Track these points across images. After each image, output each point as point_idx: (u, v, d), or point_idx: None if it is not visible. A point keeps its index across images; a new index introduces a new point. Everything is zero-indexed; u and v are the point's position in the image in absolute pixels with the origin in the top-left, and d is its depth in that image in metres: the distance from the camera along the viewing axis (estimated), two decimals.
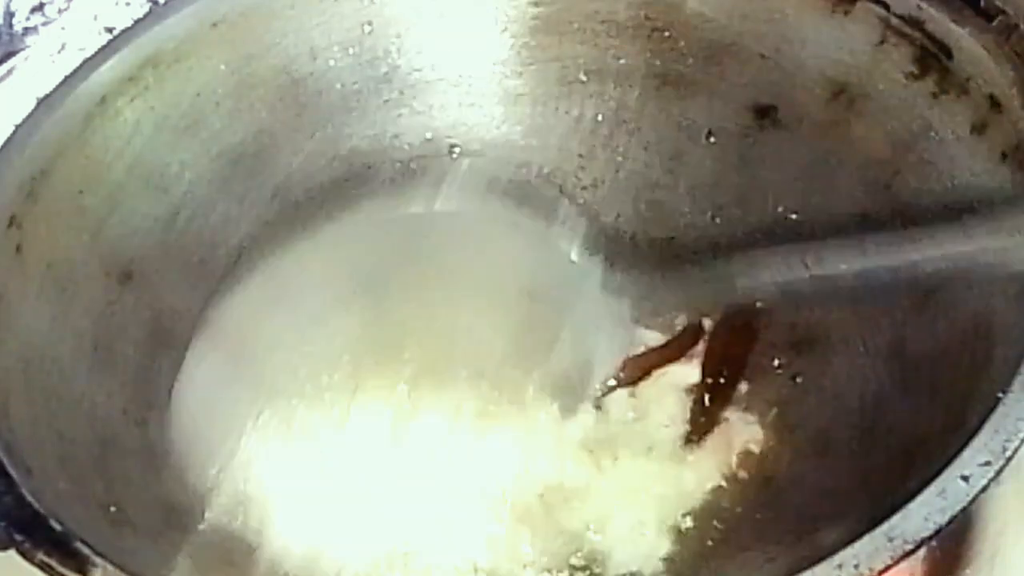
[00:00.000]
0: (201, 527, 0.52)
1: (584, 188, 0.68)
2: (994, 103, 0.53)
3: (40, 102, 0.56)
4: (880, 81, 0.59)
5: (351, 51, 0.65)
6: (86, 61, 0.58)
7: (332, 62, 0.64)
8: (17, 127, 0.55)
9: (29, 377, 0.50)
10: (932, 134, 0.56)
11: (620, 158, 0.67)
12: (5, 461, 0.44)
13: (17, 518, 0.42)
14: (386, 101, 0.66)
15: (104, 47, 0.58)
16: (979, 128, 0.54)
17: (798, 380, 0.59)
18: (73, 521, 0.43)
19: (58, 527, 0.42)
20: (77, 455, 0.50)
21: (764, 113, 0.64)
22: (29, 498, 0.43)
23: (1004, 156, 0.52)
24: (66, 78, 0.57)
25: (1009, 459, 0.40)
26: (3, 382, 0.48)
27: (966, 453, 0.40)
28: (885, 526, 0.39)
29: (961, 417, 0.45)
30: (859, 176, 0.60)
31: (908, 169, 0.58)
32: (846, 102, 0.60)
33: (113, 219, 0.57)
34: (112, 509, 0.49)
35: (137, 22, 0.59)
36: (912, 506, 0.39)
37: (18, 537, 0.41)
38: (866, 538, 0.39)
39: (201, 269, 0.60)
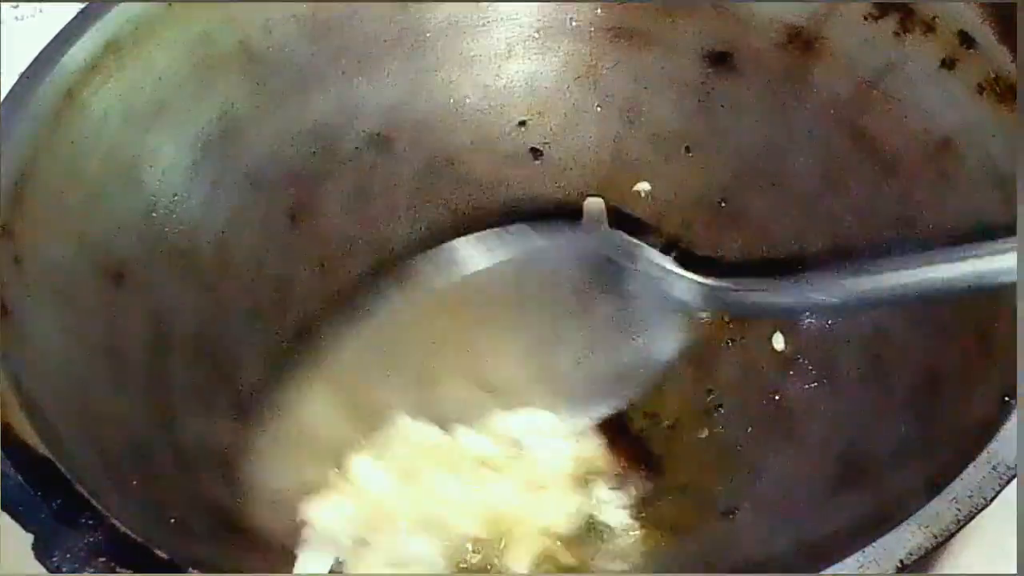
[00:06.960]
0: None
1: (545, 143, 0.68)
2: (965, 39, 0.56)
3: (6, 99, 0.52)
4: (837, 24, 0.61)
5: (304, 23, 0.62)
6: (45, 49, 0.54)
7: (287, 35, 0.62)
8: None
9: (57, 396, 0.47)
10: (897, 71, 0.59)
11: (578, 111, 0.68)
12: (84, 491, 0.41)
13: (116, 552, 0.40)
14: (343, 73, 0.64)
15: (61, 32, 0.54)
16: (948, 64, 0.56)
17: None
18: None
19: (164, 555, 0.40)
20: (123, 470, 0.47)
21: (719, 60, 0.65)
22: (123, 528, 0.40)
23: (981, 89, 0.55)
24: (29, 68, 0.53)
25: None
26: (42, 405, 0.45)
27: None
28: (986, 452, 0.41)
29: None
30: (824, 116, 0.62)
31: (874, 107, 0.60)
32: (802, 45, 0.62)
33: (96, 217, 0.54)
34: (172, 520, 0.47)
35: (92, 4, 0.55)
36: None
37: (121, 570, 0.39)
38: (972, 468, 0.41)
39: (187, 260, 0.58)
